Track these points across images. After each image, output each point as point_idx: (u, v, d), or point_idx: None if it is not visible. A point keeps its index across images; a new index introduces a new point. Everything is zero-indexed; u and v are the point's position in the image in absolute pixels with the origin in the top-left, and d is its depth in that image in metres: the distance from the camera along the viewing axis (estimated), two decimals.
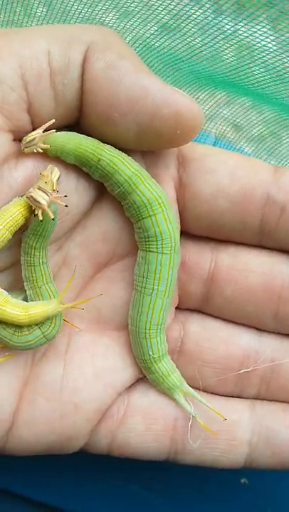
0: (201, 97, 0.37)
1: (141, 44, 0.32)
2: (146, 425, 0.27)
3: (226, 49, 0.30)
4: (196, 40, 0.30)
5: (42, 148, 0.24)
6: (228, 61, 0.31)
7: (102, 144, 0.25)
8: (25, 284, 0.26)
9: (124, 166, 0.25)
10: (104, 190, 0.26)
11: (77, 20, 0.31)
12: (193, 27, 0.29)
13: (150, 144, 0.25)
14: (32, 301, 0.26)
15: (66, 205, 0.25)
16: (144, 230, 0.26)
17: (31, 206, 0.24)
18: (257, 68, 0.31)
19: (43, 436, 0.26)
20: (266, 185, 0.26)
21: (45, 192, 0.23)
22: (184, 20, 0.29)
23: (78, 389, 0.26)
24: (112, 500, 0.34)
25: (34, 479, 0.35)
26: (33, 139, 0.24)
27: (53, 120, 0.24)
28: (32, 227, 0.24)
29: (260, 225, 0.26)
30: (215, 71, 0.32)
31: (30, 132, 0.24)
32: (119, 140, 0.25)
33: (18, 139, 0.25)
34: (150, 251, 0.26)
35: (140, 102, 0.23)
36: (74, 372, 0.26)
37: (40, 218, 0.23)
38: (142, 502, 0.35)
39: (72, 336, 0.27)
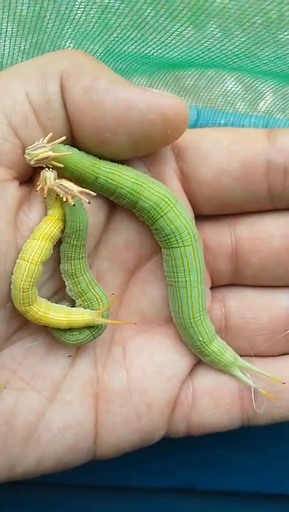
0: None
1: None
2: (215, 403, 0.28)
3: None
4: None
5: (54, 166, 0.24)
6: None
7: (98, 161, 0.25)
8: (63, 276, 0.27)
9: (123, 179, 0.25)
10: (114, 202, 0.27)
11: None
12: None
13: (145, 149, 0.25)
14: (70, 290, 0.27)
15: (89, 202, 0.25)
16: (160, 230, 0.27)
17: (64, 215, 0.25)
18: None
19: (126, 437, 0.27)
20: (264, 152, 0.26)
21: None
22: None
23: (145, 388, 0.27)
24: (207, 468, 0.37)
25: (138, 469, 0.38)
26: (46, 158, 0.24)
27: (64, 138, 0.24)
28: (69, 227, 0.25)
29: (268, 190, 0.27)
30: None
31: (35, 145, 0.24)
32: (116, 154, 0.25)
33: (23, 181, 0.25)
34: (172, 247, 0.27)
35: (126, 115, 0.23)
36: (137, 375, 0.28)
37: (72, 203, 0.24)
38: (227, 459, 0.38)
39: (126, 343, 0.28)
